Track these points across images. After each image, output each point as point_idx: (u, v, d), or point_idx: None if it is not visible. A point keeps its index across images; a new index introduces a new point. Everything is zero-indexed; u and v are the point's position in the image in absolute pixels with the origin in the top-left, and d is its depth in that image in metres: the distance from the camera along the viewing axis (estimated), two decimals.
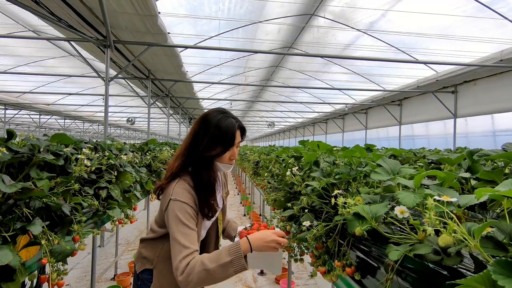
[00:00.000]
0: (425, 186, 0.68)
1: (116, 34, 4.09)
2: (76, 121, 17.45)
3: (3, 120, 11.93)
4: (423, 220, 0.76)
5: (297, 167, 1.46)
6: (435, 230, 0.59)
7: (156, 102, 8.81)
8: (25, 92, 9.67)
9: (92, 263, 1.81)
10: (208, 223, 1.26)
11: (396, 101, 8.78)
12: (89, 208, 1.41)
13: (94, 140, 1.94)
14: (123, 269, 3.70)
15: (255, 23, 6.00)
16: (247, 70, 9.68)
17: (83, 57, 4.29)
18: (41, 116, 14.22)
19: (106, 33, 3.66)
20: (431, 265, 0.67)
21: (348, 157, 1.22)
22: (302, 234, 1.07)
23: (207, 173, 1.14)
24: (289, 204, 1.36)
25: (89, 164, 1.31)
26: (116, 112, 14.08)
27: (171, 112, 10.40)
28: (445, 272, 0.62)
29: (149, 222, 3.66)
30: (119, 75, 4.95)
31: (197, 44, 5.97)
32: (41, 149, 1.12)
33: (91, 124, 19.51)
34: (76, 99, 11.55)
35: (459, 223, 0.50)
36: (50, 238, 1.08)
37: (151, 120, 6.89)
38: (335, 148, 1.65)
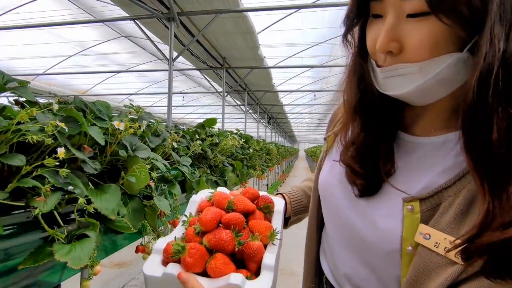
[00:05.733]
0: None
1: (181, 5, 3.48)
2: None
3: None
4: None
5: None
6: None
7: (232, 98, 8.29)
8: (129, 94, 10.35)
9: None
10: None
11: None
12: None
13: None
14: None
15: None
16: (332, 59, 8.31)
17: (150, 39, 3.83)
18: None
19: (168, 4, 3.07)
20: None
21: None
22: None
23: None
24: None
25: None
26: (189, 113, 14.13)
27: (248, 109, 9.77)
28: None
29: None
30: (187, 59, 4.37)
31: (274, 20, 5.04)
32: None
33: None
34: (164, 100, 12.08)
35: None
36: None
37: (227, 120, 6.30)
38: None
